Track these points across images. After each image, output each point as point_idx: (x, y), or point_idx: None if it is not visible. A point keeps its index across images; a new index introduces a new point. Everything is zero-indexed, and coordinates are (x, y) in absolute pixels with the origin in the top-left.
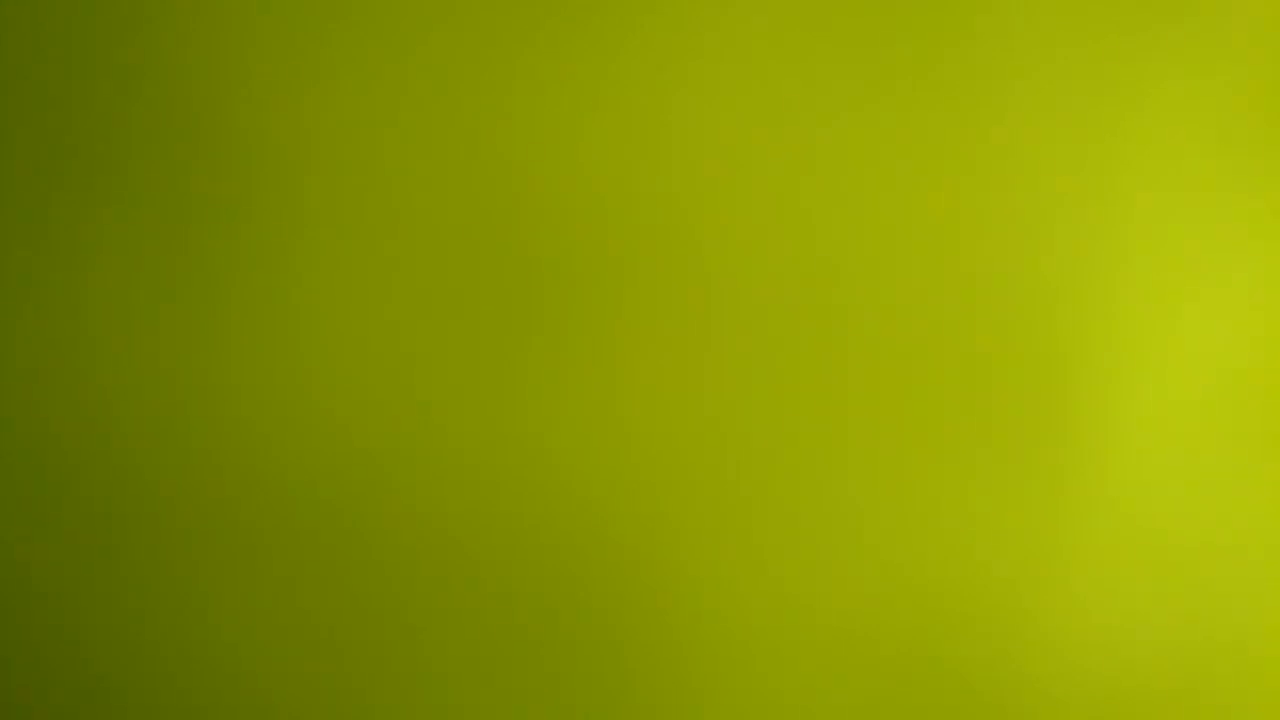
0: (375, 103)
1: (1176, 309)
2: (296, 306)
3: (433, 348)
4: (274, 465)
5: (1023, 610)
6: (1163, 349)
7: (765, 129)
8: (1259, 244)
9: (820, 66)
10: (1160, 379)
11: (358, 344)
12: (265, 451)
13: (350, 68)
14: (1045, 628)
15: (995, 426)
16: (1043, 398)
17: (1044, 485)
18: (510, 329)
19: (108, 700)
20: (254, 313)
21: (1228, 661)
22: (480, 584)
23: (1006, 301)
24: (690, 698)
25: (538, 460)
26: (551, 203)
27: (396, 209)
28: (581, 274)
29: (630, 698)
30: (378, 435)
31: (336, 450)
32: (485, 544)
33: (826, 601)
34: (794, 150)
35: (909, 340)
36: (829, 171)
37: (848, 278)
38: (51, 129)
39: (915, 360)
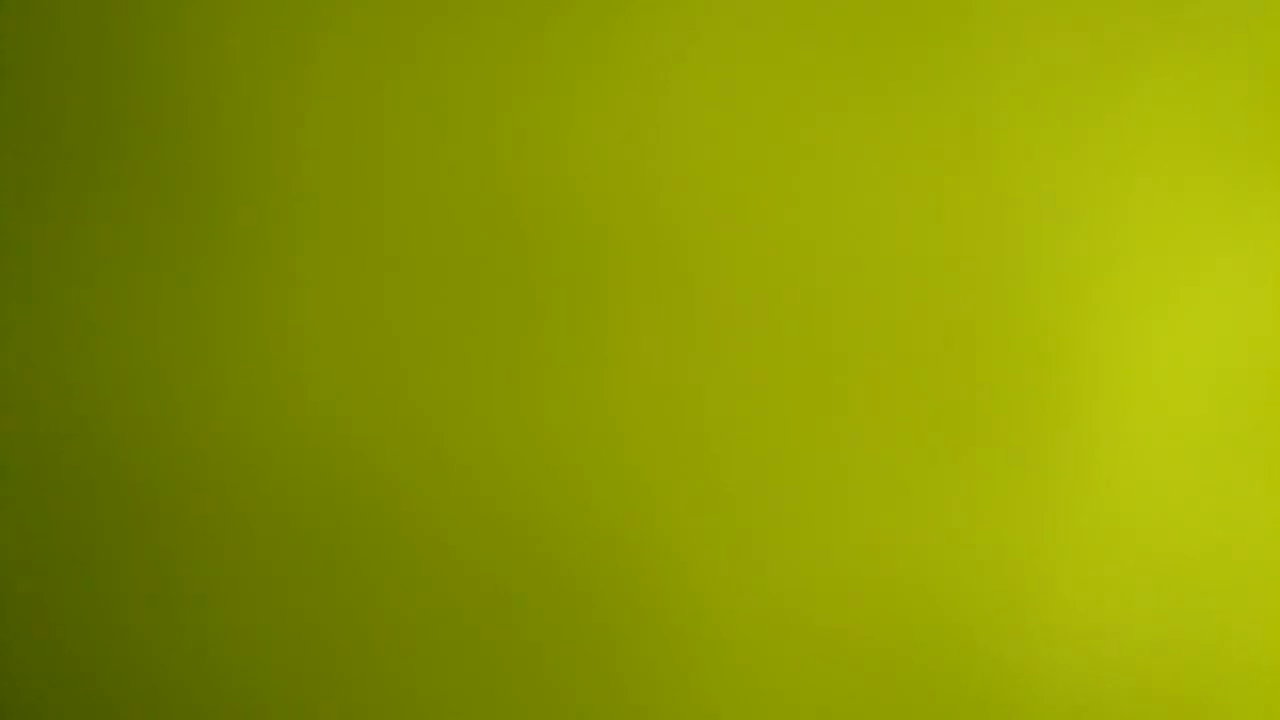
0: (368, 102)
1: (1167, 308)
2: (290, 305)
3: (425, 346)
4: (268, 462)
5: (1012, 609)
6: (1153, 348)
7: (755, 125)
8: (1252, 242)
9: (809, 63)
10: (1150, 378)
11: (351, 342)
12: (259, 449)
13: (344, 69)
14: (1034, 626)
15: (984, 425)
16: (1032, 396)
17: (1033, 484)
18: (503, 327)
19: (105, 696)
20: (248, 311)
21: (1215, 661)
22: (473, 581)
23: (996, 300)
24: (682, 695)
25: (530, 457)
26: (543, 201)
27: (389, 208)
28: (574, 272)
29: (622, 696)
30: (371, 433)
31: (331, 448)
32: (478, 541)
33: (816, 599)
34: (783, 147)
35: (898, 337)
36: (818, 168)
37: (837, 275)
38: (47, 130)
39: (905, 357)
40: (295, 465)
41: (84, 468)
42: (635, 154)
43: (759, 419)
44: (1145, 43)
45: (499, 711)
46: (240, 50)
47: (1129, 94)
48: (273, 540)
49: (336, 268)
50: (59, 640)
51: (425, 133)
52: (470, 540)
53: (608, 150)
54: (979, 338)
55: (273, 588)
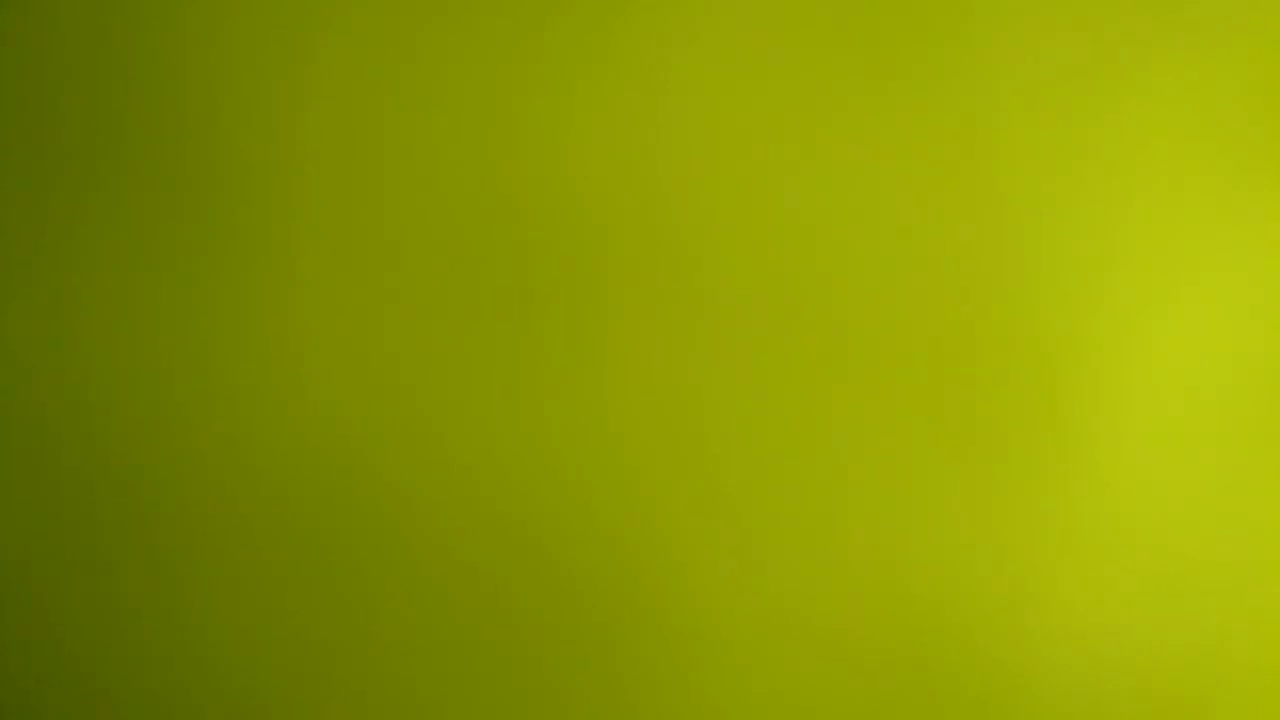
0: (368, 102)
1: (1168, 308)
2: (290, 305)
3: (426, 345)
4: (268, 462)
5: (1012, 609)
6: (1153, 348)
7: (754, 126)
8: (1252, 242)
9: (809, 63)
10: (1150, 377)
11: (351, 342)
12: (260, 448)
13: (344, 69)
14: (1034, 627)
15: (984, 424)
16: (1032, 397)
17: (1034, 484)
18: (503, 327)
19: (105, 696)
20: (248, 311)
21: (1215, 661)
22: (473, 582)
23: (996, 300)
24: (682, 695)
25: (530, 457)
26: (543, 201)
27: (389, 208)
28: (574, 272)
29: (622, 696)
30: (371, 434)
31: (331, 448)
32: (478, 542)
33: (816, 601)
34: (783, 147)
35: (898, 337)
36: (817, 169)
37: (836, 275)
38: (47, 130)
39: (905, 357)
40: (295, 465)
41: (84, 468)
42: (635, 154)
43: (759, 419)
44: (1145, 42)
45: (499, 711)
46: (240, 50)
47: (1129, 94)
48: (273, 540)
49: (336, 267)
50: (59, 640)
51: (425, 133)
52: (470, 541)
53: (608, 150)
54: (979, 338)
55: (273, 588)
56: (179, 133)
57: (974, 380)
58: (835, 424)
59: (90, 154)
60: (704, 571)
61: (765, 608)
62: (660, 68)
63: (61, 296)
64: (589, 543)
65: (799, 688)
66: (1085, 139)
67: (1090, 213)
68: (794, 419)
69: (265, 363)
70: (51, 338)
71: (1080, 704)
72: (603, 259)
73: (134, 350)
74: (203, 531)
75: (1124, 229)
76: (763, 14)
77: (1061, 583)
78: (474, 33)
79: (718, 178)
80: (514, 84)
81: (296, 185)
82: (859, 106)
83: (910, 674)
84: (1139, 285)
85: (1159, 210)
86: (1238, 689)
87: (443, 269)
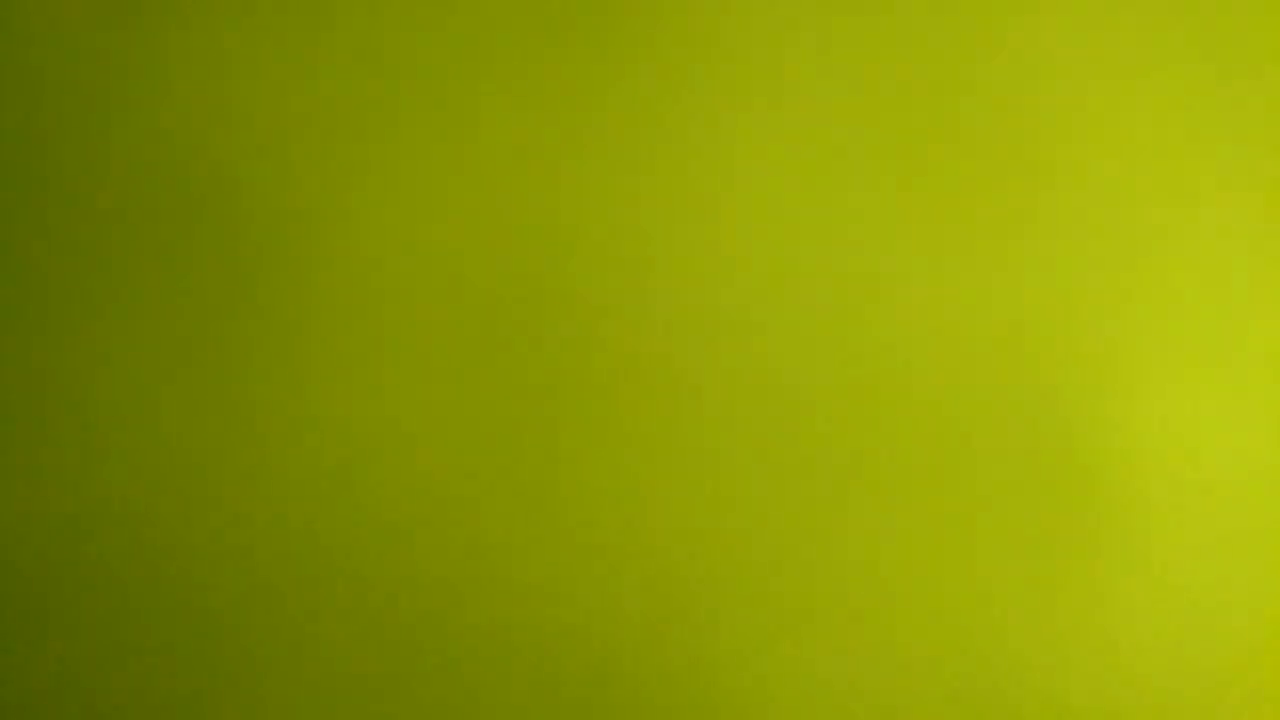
0: (389, 186)
1: (1204, 387)
2: (307, 393)
3: (446, 439)
4: (287, 550)
5: (1060, 696)
6: (1194, 429)
7: (804, 211)
8: None
9: (877, 148)
10: (1192, 458)
11: (368, 432)
12: (280, 536)
13: (361, 150)
14: (1078, 711)
15: (1023, 508)
16: (1071, 479)
17: (1077, 571)
18: (526, 428)
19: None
20: (264, 398)
21: None
22: (488, 676)
23: (1034, 383)
24: None
25: (563, 555)
26: (573, 295)
27: (408, 295)
28: (606, 372)
29: None
30: (390, 525)
31: (350, 540)
32: (503, 648)
33: (854, 694)
34: (836, 236)
35: (932, 421)
36: (867, 262)
37: (876, 359)
38: (53, 215)
39: (940, 443)
40: (315, 557)
41: (84, 563)
42: (672, 245)
43: (794, 513)
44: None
45: None
46: (255, 130)
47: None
48: (293, 634)
49: (354, 356)
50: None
51: (449, 219)
52: (494, 646)
53: (642, 240)
54: (1017, 420)
55: (303, 681)
56: (191, 221)
57: (1013, 462)
58: (871, 512)
59: (99, 245)
60: (733, 662)
61: (801, 700)
62: (710, 151)
63: (72, 395)
64: (603, 636)
65: None
66: (1139, 241)
67: (1135, 296)
68: (830, 507)
69: (283, 450)
70: (63, 438)
71: None
72: (637, 360)
73: (148, 445)
74: (221, 623)
75: (1170, 308)
76: (819, 104)
77: (1109, 671)
78: (512, 114)
79: (766, 265)
80: (549, 169)
81: (312, 271)
82: (907, 202)
83: None
84: (1182, 364)
85: (1204, 291)
86: None
87: (467, 362)
